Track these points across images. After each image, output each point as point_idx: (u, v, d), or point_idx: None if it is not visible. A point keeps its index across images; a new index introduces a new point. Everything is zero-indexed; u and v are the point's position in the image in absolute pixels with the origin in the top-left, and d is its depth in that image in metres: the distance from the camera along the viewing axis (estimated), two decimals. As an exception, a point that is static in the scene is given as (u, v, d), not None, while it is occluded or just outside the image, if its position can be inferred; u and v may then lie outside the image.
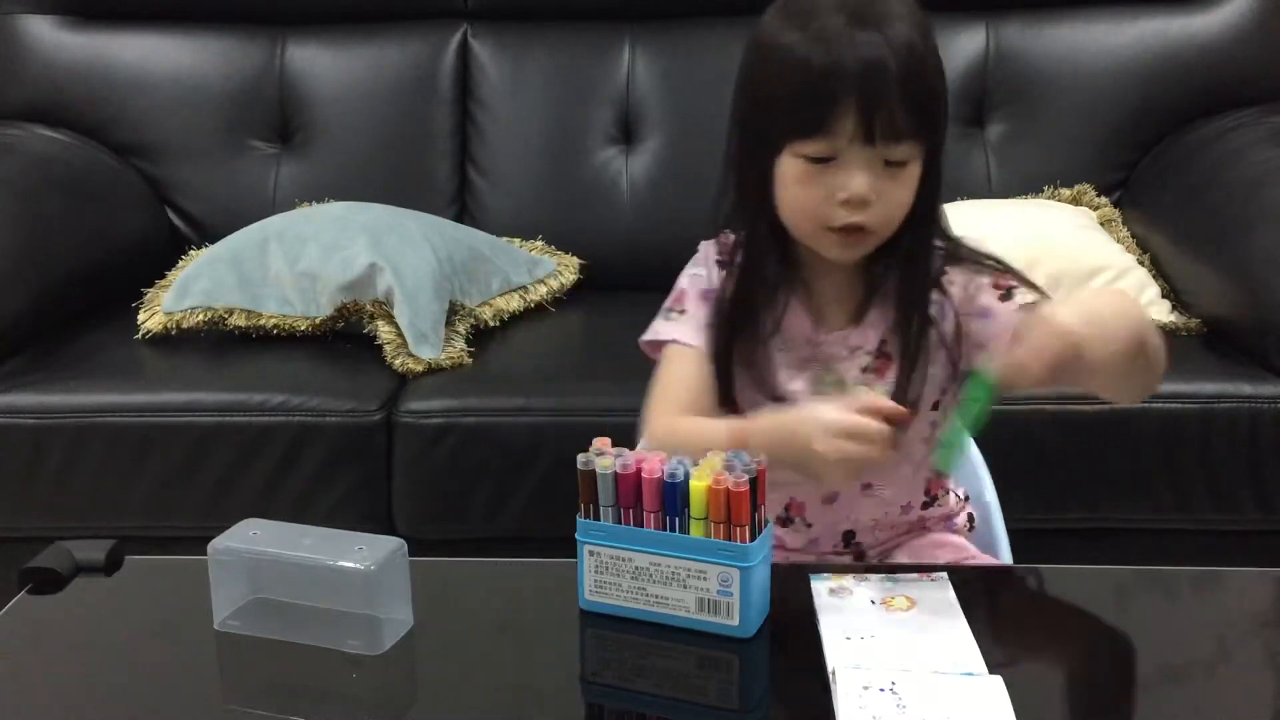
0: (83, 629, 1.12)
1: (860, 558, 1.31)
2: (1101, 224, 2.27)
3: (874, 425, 1.05)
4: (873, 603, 1.08)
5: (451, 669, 1.06)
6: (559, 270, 2.34)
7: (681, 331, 1.24)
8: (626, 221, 2.45)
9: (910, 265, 1.20)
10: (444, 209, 2.45)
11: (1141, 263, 2.16)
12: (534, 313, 2.26)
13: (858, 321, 1.24)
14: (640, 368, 1.96)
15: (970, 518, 1.40)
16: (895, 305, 1.22)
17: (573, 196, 2.47)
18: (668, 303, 1.28)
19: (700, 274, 1.27)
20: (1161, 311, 2.08)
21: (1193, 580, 1.22)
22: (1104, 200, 2.37)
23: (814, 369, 1.23)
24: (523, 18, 2.57)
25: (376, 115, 2.52)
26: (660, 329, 1.26)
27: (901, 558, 1.32)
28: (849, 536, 1.30)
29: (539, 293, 2.27)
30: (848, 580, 1.12)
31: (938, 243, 1.22)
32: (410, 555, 1.07)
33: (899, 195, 1.14)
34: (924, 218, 1.18)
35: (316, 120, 2.53)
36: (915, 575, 1.13)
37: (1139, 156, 2.42)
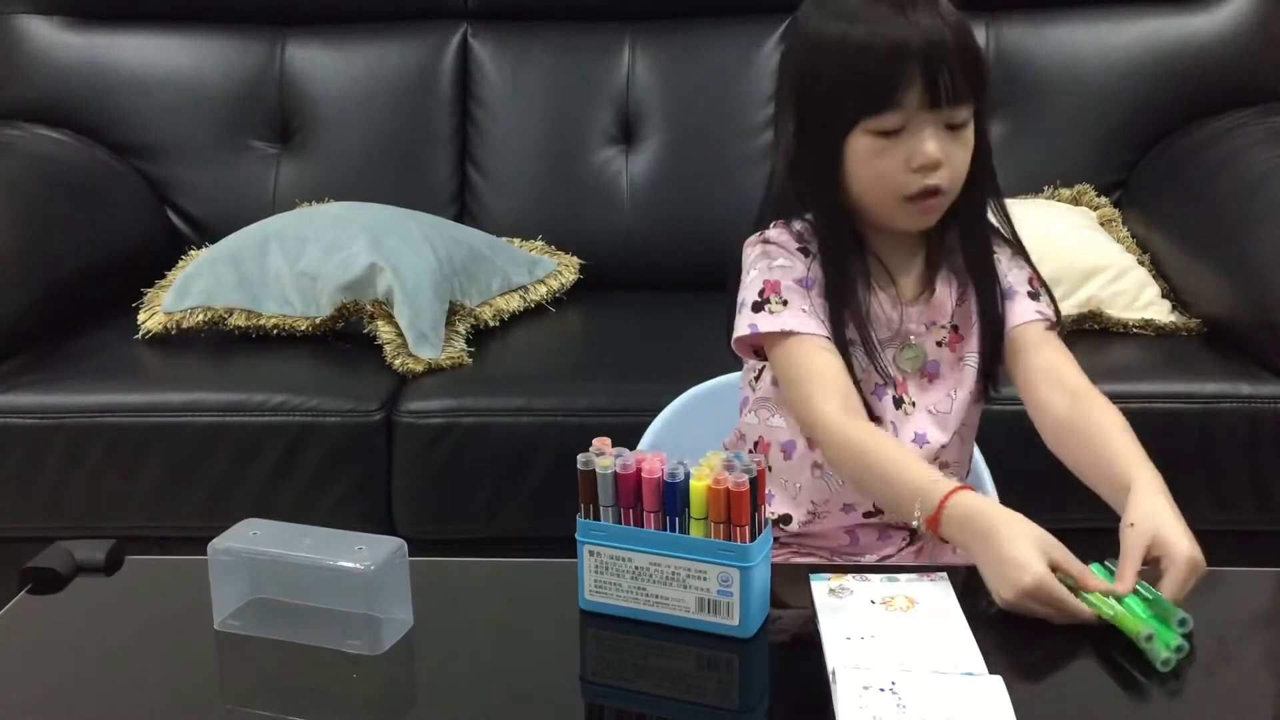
0: (83, 629, 1.12)
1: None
2: (1101, 224, 2.27)
3: (1072, 610, 1.03)
4: (872, 603, 1.08)
5: (451, 669, 1.06)
6: (559, 270, 2.34)
7: (796, 321, 1.23)
8: (626, 221, 2.45)
9: (972, 228, 1.27)
10: (444, 209, 2.46)
11: (1141, 263, 2.16)
12: (534, 313, 2.26)
13: (928, 294, 1.28)
14: (640, 367, 1.98)
15: None
16: (965, 268, 1.27)
17: (573, 196, 2.47)
18: (750, 296, 1.26)
19: (786, 265, 1.26)
20: (1161, 311, 2.08)
21: (1192, 580, 1.22)
22: (1104, 200, 2.37)
23: (895, 345, 1.27)
24: (523, 18, 2.57)
25: (376, 115, 2.52)
26: (761, 322, 1.24)
27: (907, 558, 1.34)
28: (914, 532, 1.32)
29: (539, 293, 2.27)
30: (848, 580, 1.12)
31: (991, 216, 1.28)
32: (410, 555, 1.07)
33: (962, 156, 1.21)
34: (978, 179, 1.25)
35: (316, 120, 2.53)
36: (915, 575, 1.12)
37: (1139, 156, 2.42)
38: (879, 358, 1.25)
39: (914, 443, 1.26)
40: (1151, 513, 1.12)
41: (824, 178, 1.23)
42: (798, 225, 1.28)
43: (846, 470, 1.23)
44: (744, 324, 1.26)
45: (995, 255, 1.30)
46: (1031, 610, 1.03)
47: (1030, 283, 1.30)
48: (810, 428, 1.25)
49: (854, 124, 1.18)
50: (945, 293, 1.29)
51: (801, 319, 1.23)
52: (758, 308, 1.25)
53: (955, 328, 1.29)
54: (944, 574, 1.12)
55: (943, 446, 1.29)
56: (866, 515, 1.32)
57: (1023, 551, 1.04)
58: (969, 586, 1.10)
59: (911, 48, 1.15)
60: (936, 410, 1.29)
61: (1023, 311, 1.28)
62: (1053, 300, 1.31)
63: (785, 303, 1.24)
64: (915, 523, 1.12)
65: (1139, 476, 1.16)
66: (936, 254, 1.29)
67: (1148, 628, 1.00)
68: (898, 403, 1.28)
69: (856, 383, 1.24)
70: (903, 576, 1.12)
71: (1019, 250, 1.32)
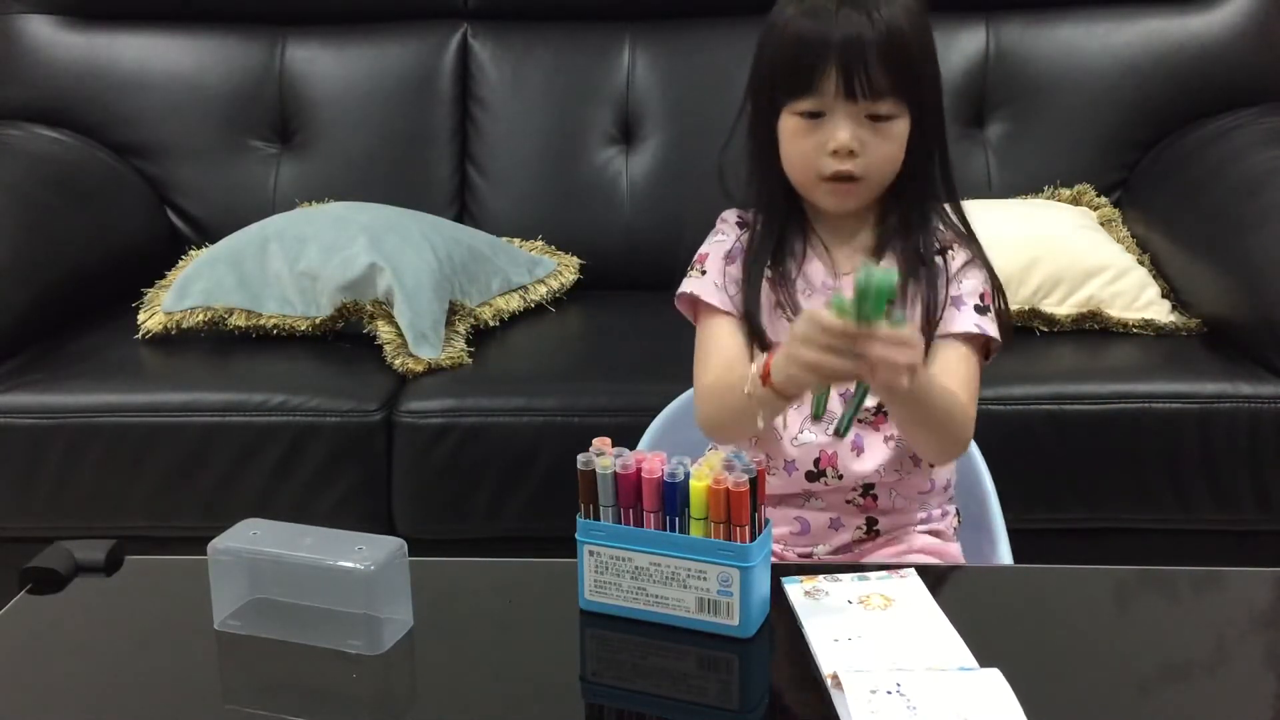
0: (83, 629, 1.12)
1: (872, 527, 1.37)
2: (1101, 224, 2.27)
3: (820, 320, 1.10)
4: (850, 602, 1.08)
5: (451, 669, 1.06)
6: (559, 270, 2.34)
7: (700, 288, 1.36)
8: (626, 221, 2.45)
9: (909, 220, 1.33)
10: (444, 209, 2.46)
11: (1141, 263, 2.16)
12: (534, 313, 2.26)
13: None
14: (640, 367, 1.98)
15: (957, 513, 1.44)
16: (902, 252, 1.33)
17: (573, 196, 2.47)
18: (693, 262, 1.39)
19: (722, 238, 1.39)
20: (1161, 311, 2.08)
21: (1193, 580, 1.22)
22: (1104, 200, 2.37)
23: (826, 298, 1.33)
24: (523, 18, 2.57)
25: (376, 115, 2.52)
26: (683, 284, 1.38)
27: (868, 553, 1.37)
28: (868, 488, 1.36)
29: (539, 293, 2.27)
30: (820, 581, 1.12)
31: (950, 215, 1.35)
32: (410, 555, 1.07)
33: (884, 148, 1.27)
34: (918, 173, 1.31)
35: (316, 120, 2.53)
36: (885, 573, 1.13)
37: (1139, 156, 2.42)
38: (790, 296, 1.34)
39: (840, 395, 1.30)
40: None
41: (764, 154, 1.33)
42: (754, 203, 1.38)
43: (713, 417, 1.33)
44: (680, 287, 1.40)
45: (950, 253, 1.34)
46: (810, 352, 1.10)
47: (983, 297, 1.33)
48: (694, 396, 1.37)
49: (782, 105, 1.29)
50: (890, 265, 1.33)
51: (706, 288, 1.36)
52: (689, 272, 1.39)
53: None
54: (912, 570, 1.13)
55: (873, 409, 1.34)
56: (810, 477, 1.35)
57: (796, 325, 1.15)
58: (969, 586, 1.10)
59: (832, 41, 1.24)
60: None
61: (961, 323, 1.31)
62: (1006, 314, 1.36)
63: (704, 272, 1.37)
64: (748, 389, 1.20)
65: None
66: (883, 235, 1.35)
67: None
68: None
69: (765, 347, 1.31)
70: (872, 575, 1.13)
71: (978, 255, 1.35)
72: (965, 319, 1.31)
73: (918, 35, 1.27)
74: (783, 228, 1.35)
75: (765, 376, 1.18)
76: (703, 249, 1.40)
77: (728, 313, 1.35)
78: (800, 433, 1.35)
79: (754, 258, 1.35)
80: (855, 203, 1.32)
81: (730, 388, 1.26)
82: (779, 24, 1.29)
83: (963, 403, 1.28)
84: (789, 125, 1.29)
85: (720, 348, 1.34)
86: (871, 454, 1.34)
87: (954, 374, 1.29)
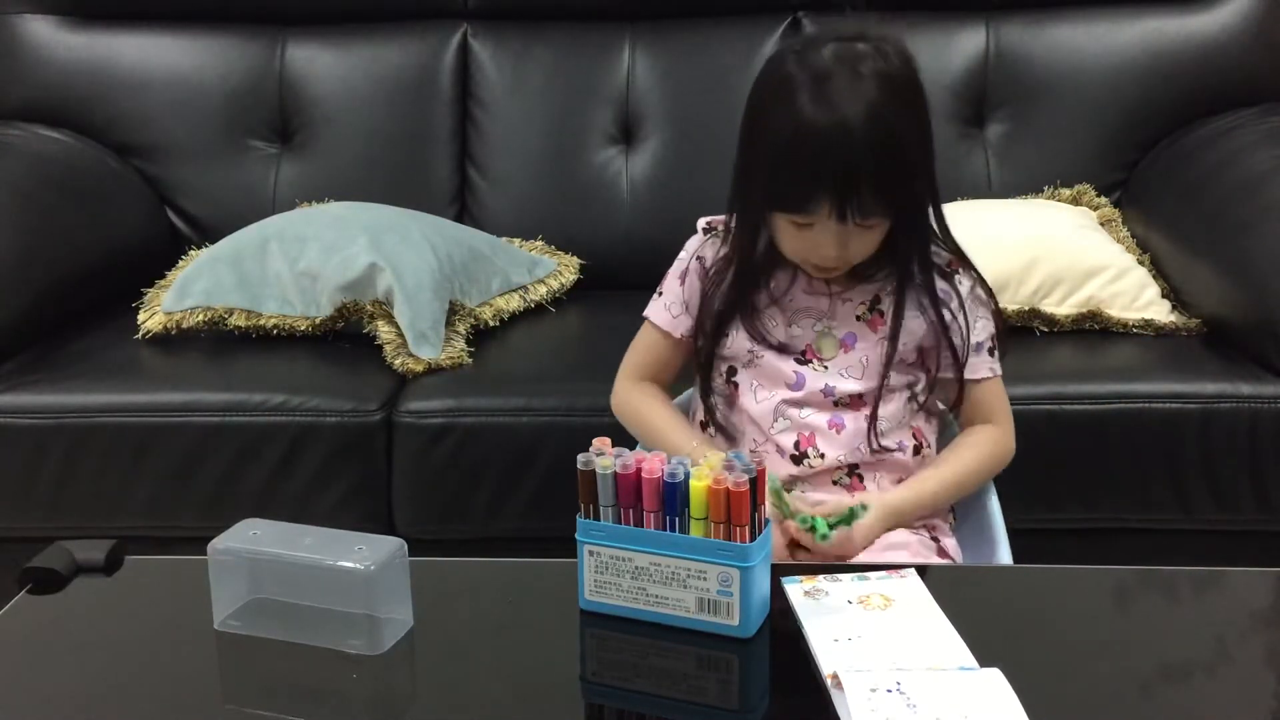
0: (83, 629, 1.12)
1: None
2: (1101, 224, 2.27)
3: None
4: (849, 602, 1.08)
5: (451, 669, 1.06)
6: (559, 270, 2.34)
7: (653, 310, 1.49)
8: (626, 221, 2.45)
9: (902, 256, 1.38)
10: (444, 209, 2.45)
11: (1141, 263, 2.16)
12: (534, 313, 2.26)
13: (854, 283, 1.41)
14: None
15: (952, 510, 1.46)
16: (895, 272, 1.39)
17: (573, 196, 2.47)
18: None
19: (682, 258, 1.48)
20: (1161, 311, 2.08)
21: (1193, 580, 1.22)
22: (1104, 200, 2.37)
23: (811, 316, 1.41)
24: (523, 18, 2.57)
25: (376, 115, 2.51)
26: (649, 312, 1.50)
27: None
28: (852, 469, 1.40)
29: (539, 293, 2.27)
30: (820, 581, 1.12)
31: (942, 249, 1.41)
32: (410, 555, 1.07)
33: (869, 243, 1.33)
34: (905, 230, 1.35)
35: (316, 120, 2.52)
36: (884, 573, 1.13)
37: (1139, 156, 2.42)
38: (758, 325, 1.40)
39: (822, 392, 1.39)
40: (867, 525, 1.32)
41: (749, 229, 1.38)
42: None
43: (631, 426, 1.50)
44: None
45: (957, 277, 1.41)
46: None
47: (992, 338, 1.43)
48: (617, 376, 1.52)
49: (773, 209, 1.33)
50: (874, 288, 1.41)
51: (656, 309, 1.48)
52: (656, 294, 1.50)
53: (881, 312, 1.40)
54: (912, 570, 1.13)
55: (853, 395, 1.39)
56: (795, 460, 1.39)
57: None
58: (968, 586, 1.10)
59: (825, 172, 1.25)
60: (847, 373, 1.40)
61: (978, 368, 1.43)
62: (1003, 339, 1.45)
63: (660, 294, 1.48)
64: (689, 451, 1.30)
65: (899, 493, 1.37)
66: (884, 285, 1.42)
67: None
68: (800, 361, 1.40)
69: (711, 359, 1.43)
70: (872, 575, 1.13)
71: (978, 278, 1.43)
72: (983, 365, 1.43)
73: (911, 143, 1.29)
74: (754, 280, 1.41)
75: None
76: (673, 268, 1.48)
77: (667, 333, 1.48)
78: (775, 420, 1.39)
79: (721, 297, 1.42)
80: (841, 275, 1.39)
81: (638, 415, 1.48)
82: (770, 118, 1.30)
83: (985, 454, 1.42)
84: (779, 221, 1.34)
85: (643, 349, 1.52)
86: (851, 431, 1.38)
87: (991, 408, 1.44)
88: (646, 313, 1.49)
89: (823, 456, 1.38)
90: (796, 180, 1.28)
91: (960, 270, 1.41)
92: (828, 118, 1.25)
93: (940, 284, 1.39)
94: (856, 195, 1.26)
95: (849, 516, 1.28)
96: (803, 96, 1.26)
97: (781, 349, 1.40)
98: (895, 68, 1.28)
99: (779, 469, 1.38)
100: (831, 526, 1.27)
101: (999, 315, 1.45)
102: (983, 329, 1.42)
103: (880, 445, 1.38)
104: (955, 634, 1.03)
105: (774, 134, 1.29)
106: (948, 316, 1.39)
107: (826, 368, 1.40)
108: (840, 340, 1.40)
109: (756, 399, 1.40)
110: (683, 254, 1.47)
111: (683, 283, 1.46)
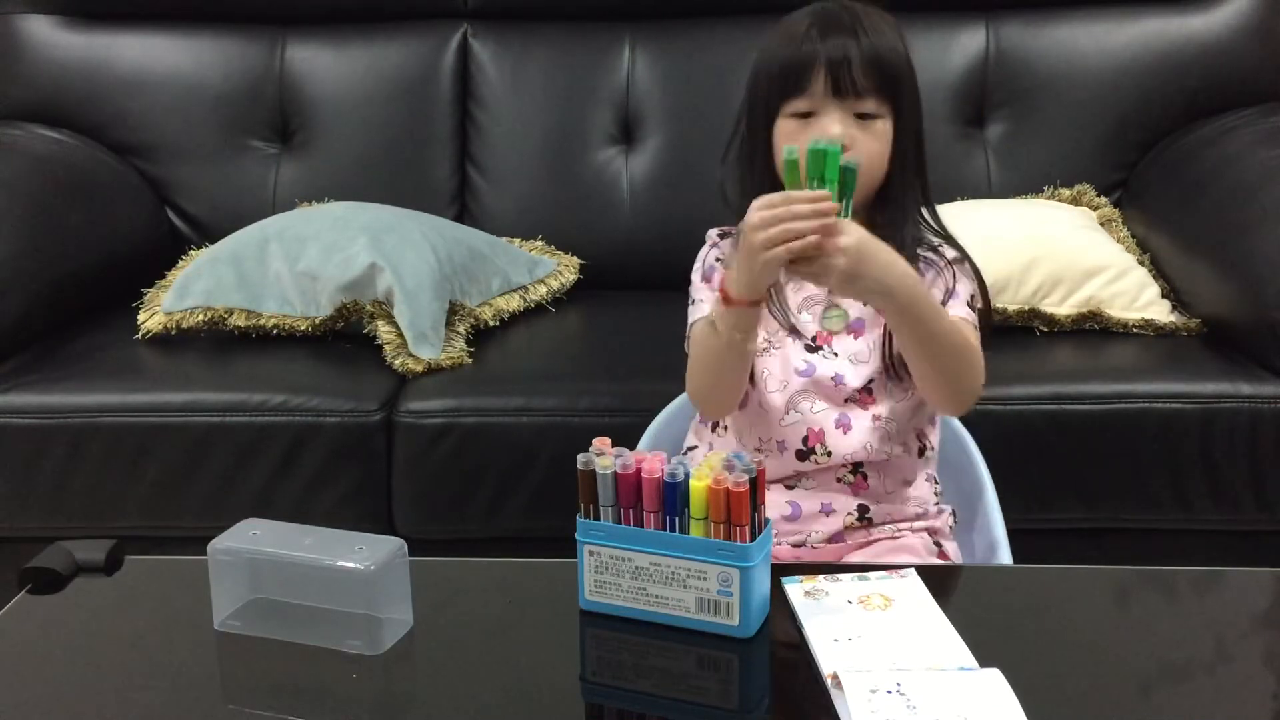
0: (83, 629, 1.12)
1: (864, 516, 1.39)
2: (1101, 224, 2.27)
3: (780, 197, 1.21)
4: (850, 602, 1.08)
5: (451, 669, 1.06)
6: (559, 270, 2.34)
7: (696, 313, 1.44)
8: (626, 221, 2.45)
9: (894, 219, 1.39)
10: (444, 209, 2.46)
11: (1141, 263, 2.16)
12: (534, 313, 2.26)
13: None
14: (640, 367, 1.98)
15: (953, 512, 1.45)
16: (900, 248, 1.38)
17: (573, 196, 2.47)
18: (690, 296, 1.47)
19: (698, 266, 1.48)
20: (1161, 311, 2.08)
21: (1193, 580, 1.23)
22: (1104, 200, 2.37)
23: (821, 304, 1.42)
24: (523, 18, 2.57)
25: (376, 115, 2.52)
26: (690, 319, 1.45)
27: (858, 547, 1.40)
28: (857, 467, 1.39)
29: (539, 293, 2.27)
30: (820, 581, 1.12)
31: (929, 220, 1.42)
32: (410, 555, 1.07)
33: (871, 145, 1.35)
34: (899, 180, 1.38)
35: (316, 120, 2.53)
36: (885, 573, 1.13)
37: (1139, 156, 2.42)
38: (776, 309, 1.41)
39: (832, 380, 1.39)
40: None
41: (759, 160, 1.40)
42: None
43: (696, 376, 1.41)
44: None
45: (942, 248, 1.41)
46: (764, 234, 1.19)
47: (972, 298, 1.40)
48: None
49: (777, 107, 1.37)
50: None
51: (699, 311, 1.45)
52: (689, 307, 1.47)
53: None
54: (912, 570, 1.13)
55: (860, 388, 1.39)
56: (800, 456, 1.38)
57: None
58: (967, 586, 1.10)
59: (820, 49, 1.35)
60: (856, 359, 1.40)
61: (954, 308, 1.38)
62: (988, 315, 1.43)
63: (699, 301, 1.46)
64: (713, 316, 1.32)
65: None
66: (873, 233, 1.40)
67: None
68: (810, 349, 1.41)
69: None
70: (872, 575, 1.13)
71: (964, 253, 1.42)
72: (959, 307, 1.38)
73: (898, 53, 1.37)
74: None
75: (725, 298, 1.26)
76: (694, 278, 1.48)
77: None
78: (786, 414, 1.38)
79: None
80: None
81: (699, 341, 1.38)
82: (768, 47, 1.40)
83: (972, 342, 1.35)
84: (784, 128, 1.37)
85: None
86: (859, 430, 1.38)
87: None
88: (691, 319, 1.46)
89: (829, 454, 1.38)
90: (793, 61, 1.35)
91: (942, 245, 1.42)
92: (821, 6, 1.38)
93: (929, 254, 1.41)
94: (849, 68, 1.33)
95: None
96: (797, 14, 1.39)
97: (794, 332, 1.41)
98: (890, 23, 1.38)
99: (785, 464, 1.39)
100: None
101: (984, 289, 1.44)
102: (964, 289, 1.41)
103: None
104: (955, 634, 1.03)
105: (773, 45, 1.39)
106: (931, 275, 1.39)
107: (836, 354, 1.40)
108: (850, 325, 1.41)
109: (768, 389, 1.40)
110: (698, 262, 1.49)
111: (709, 281, 1.47)
